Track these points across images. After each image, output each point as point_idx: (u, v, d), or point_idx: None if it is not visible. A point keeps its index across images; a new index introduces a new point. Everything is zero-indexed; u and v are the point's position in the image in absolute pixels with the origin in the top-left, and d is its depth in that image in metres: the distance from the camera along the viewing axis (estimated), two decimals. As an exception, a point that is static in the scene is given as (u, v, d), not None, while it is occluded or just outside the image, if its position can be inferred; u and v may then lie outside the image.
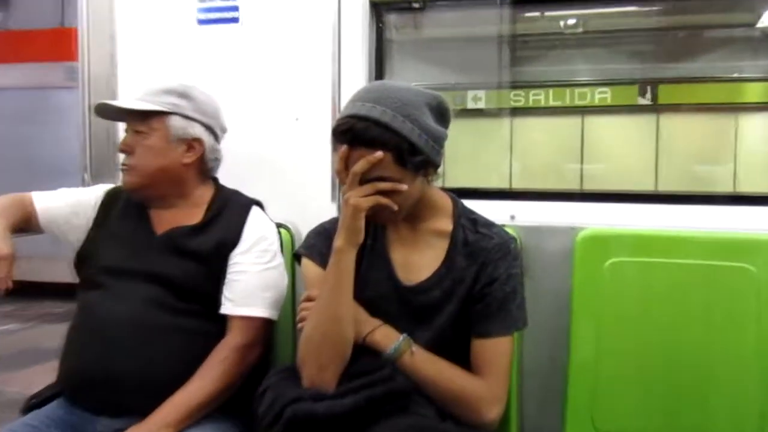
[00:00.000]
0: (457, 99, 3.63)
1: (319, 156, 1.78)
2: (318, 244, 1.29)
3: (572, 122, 3.65)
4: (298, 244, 1.57)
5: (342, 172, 1.14)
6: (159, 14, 1.75)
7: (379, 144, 1.10)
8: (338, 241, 1.16)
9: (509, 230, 1.39)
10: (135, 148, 1.43)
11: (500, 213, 1.65)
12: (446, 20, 2.09)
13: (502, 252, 1.23)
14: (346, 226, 1.15)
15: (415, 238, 1.27)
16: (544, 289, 1.59)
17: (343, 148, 1.12)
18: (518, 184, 3.45)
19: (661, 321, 1.42)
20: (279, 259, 1.54)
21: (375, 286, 1.26)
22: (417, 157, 1.13)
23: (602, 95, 3.63)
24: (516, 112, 3.74)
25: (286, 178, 1.83)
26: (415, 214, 1.25)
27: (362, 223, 1.14)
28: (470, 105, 3.63)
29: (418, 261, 1.26)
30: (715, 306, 1.38)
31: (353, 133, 1.10)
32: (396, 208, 1.16)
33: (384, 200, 1.15)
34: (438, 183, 1.27)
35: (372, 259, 1.27)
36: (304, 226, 1.46)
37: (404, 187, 1.14)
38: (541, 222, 1.67)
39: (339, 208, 1.75)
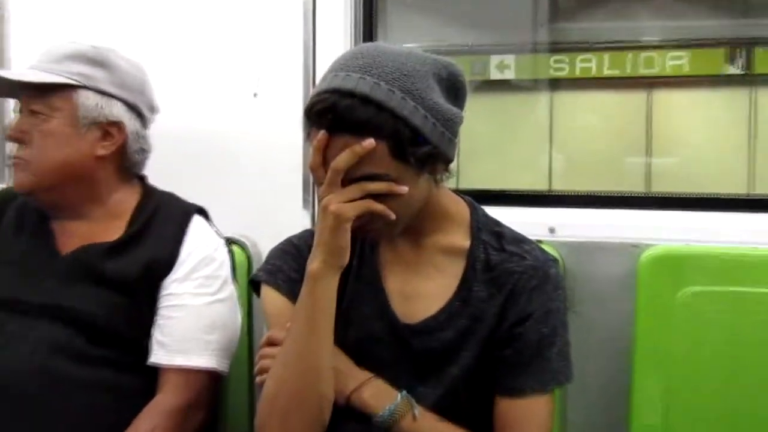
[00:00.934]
0: (476, 67, 3.64)
1: (285, 146, 1.79)
2: (284, 267, 1.32)
3: (635, 99, 3.65)
4: (256, 267, 1.60)
5: (318, 168, 1.16)
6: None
7: (370, 129, 1.12)
8: (314, 264, 1.18)
9: (548, 248, 1.43)
10: (30, 136, 1.46)
11: (535, 225, 1.67)
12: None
13: (539, 278, 1.26)
14: (324, 242, 1.17)
15: (419, 258, 1.30)
16: (595, 330, 1.62)
17: (320, 135, 1.14)
18: (560, 185, 3.47)
19: (755, 374, 1.45)
20: (230, 289, 1.57)
21: (363, 326, 1.29)
22: (421, 147, 1.15)
23: (676, 62, 3.64)
24: (557, 85, 3.75)
25: (241, 176, 1.83)
26: (418, 227, 1.28)
27: (347, 238, 1.16)
28: (494, 75, 3.61)
29: (423, 290, 1.29)
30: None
31: (334, 115, 1.12)
32: (393, 217, 1.17)
33: (377, 207, 1.17)
34: (450, 184, 1.30)
35: (359, 288, 1.31)
36: (266, 242, 1.49)
37: (404, 189, 1.16)
38: (592, 237, 1.69)
39: (314, 218, 1.77)
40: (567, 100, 3.87)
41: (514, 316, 1.24)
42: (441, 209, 1.29)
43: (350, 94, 1.10)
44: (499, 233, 1.31)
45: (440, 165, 1.21)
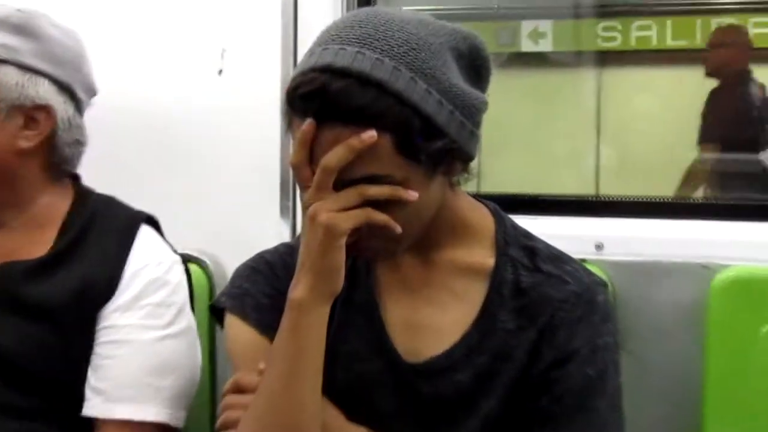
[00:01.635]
0: (503, 36, 3.64)
1: (259, 138, 1.81)
2: (253, 291, 1.35)
3: (708, 79, 3.68)
4: (219, 290, 1.58)
5: (303, 166, 1.18)
6: None
7: (370, 118, 1.13)
8: (298, 290, 1.20)
9: (594, 269, 1.43)
10: None
11: (578, 239, 1.69)
12: None
13: (583, 308, 1.28)
14: (312, 262, 1.18)
15: (428, 280, 1.33)
16: (655, 372, 1.62)
17: (306, 124, 1.15)
18: (610, 189, 3.45)
19: None
20: (186, 320, 1.59)
21: (355, 366, 1.31)
22: (435, 141, 1.18)
23: (763, 30, 3.73)
24: (607, 59, 3.75)
25: (201, 176, 1.85)
26: (428, 240, 1.31)
27: (341, 257, 1.18)
28: (526, 47, 3.61)
29: (433, 320, 1.32)
30: None
31: (324, 99, 1.13)
32: (398, 231, 1.20)
33: (378, 217, 1.19)
34: (469, 187, 1.32)
35: (350, 318, 1.33)
36: (233, 259, 1.49)
37: (413, 195, 1.18)
38: (651, 255, 1.71)
39: (295, 230, 1.77)
40: (619, 78, 3.88)
41: (551, 355, 1.26)
42: (458, 219, 1.32)
43: (345, 73, 1.12)
44: (532, 249, 1.34)
45: (458, 164, 1.23)
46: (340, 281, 1.18)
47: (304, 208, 1.17)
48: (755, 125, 3.98)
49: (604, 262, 1.68)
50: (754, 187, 3.71)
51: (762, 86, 3.98)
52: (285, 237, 1.76)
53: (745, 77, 3.88)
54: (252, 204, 1.80)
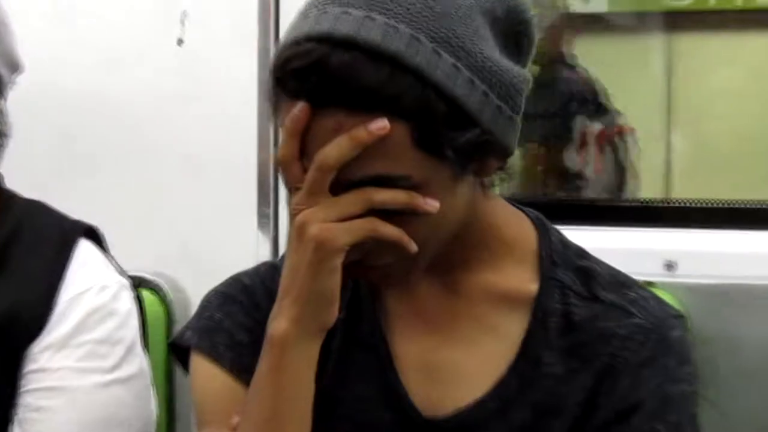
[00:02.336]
0: (547, -5, 3.65)
1: (231, 127, 1.84)
2: (227, 324, 1.37)
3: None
4: (182, 323, 1.59)
5: (292, 162, 1.19)
6: None
7: (381, 102, 1.14)
8: (280, 322, 1.21)
9: (666, 297, 1.44)
10: None
11: (644, 256, 1.69)
12: None
13: (652, 347, 1.30)
14: (298, 287, 1.20)
15: (452, 310, 1.35)
16: (743, 427, 1.63)
17: (298, 109, 1.16)
18: (686, 191, 3.44)
19: None
20: (137, 362, 1.60)
21: (357, 415, 1.33)
22: (464, 132, 1.19)
23: None
24: (679, 22, 3.75)
25: (155, 177, 1.88)
26: (452, 259, 1.33)
27: (335, 281, 1.20)
28: (576, 6, 3.61)
29: (459, 362, 1.33)
30: None
31: (322, 76, 1.14)
32: (414, 248, 1.21)
33: (388, 231, 1.20)
34: (502, 190, 1.33)
35: (352, 356, 1.35)
36: (197, 283, 1.55)
37: (433, 204, 1.20)
38: (741, 278, 1.71)
39: (278, 246, 1.80)
40: (695, 47, 3.88)
41: (611, 407, 1.28)
42: (491, 232, 1.33)
43: (349, 44, 1.13)
44: (588, 271, 1.35)
45: (493, 160, 1.25)
46: (332, 312, 1.20)
47: (291, 217, 1.18)
48: None
49: (676, 286, 1.68)
50: None
51: None
52: (265, 254, 1.77)
53: None
54: (222, 211, 1.82)
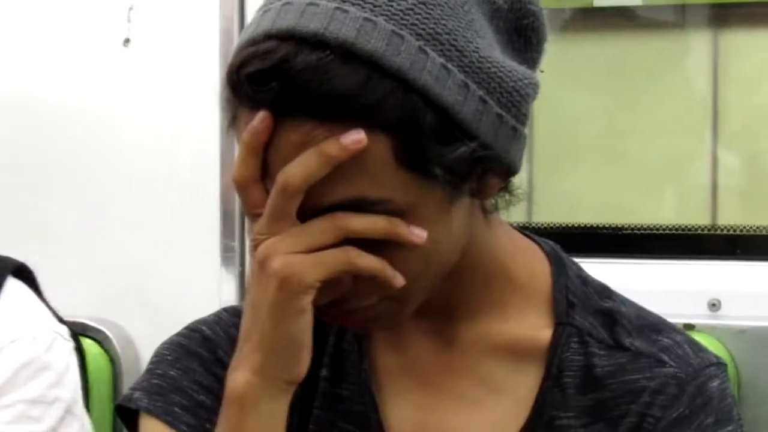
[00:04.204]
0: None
1: (189, 142, 1.86)
2: (186, 383, 1.37)
3: None
4: (130, 380, 1.64)
5: (251, 184, 1.20)
6: None
7: (357, 111, 1.15)
8: (239, 375, 1.21)
9: (707, 341, 1.45)
10: None
11: (684, 295, 1.69)
12: None
13: (689, 402, 1.29)
14: (259, 332, 1.20)
15: (450, 363, 1.36)
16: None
17: (258, 119, 1.16)
18: (734, 216, 3.43)
19: None
20: (77, 424, 1.61)
21: None
22: (458, 145, 1.18)
23: None
24: (728, 16, 3.78)
25: (100, 204, 1.89)
26: (449, 301, 1.34)
27: (304, 324, 1.20)
28: (600, 0, 3.64)
29: (457, 426, 1.34)
30: None
31: (286, 81, 1.14)
32: (399, 283, 1.20)
33: (367, 264, 1.20)
34: (514, 216, 1.34)
35: (335, 420, 1.35)
36: (149, 331, 1.56)
37: (420, 234, 1.20)
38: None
39: (244, 285, 1.84)
40: (747, 45, 3.89)
41: None
42: (495, 267, 1.34)
43: (318, 42, 1.13)
44: (612, 314, 1.35)
45: (494, 179, 1.24)
46: (302, 361, 1.20)
47: (252, 248, 1.19)
48: None
49: (721, 329, 1.67)
50: None
51: None
52: (230, 296, 1.80)
53: None
54: (178, 245, 1.82)
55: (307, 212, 1.16)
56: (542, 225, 1.49)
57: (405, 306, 1.25)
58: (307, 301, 1.17)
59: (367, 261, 1.18)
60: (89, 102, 1.89)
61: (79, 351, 1.63)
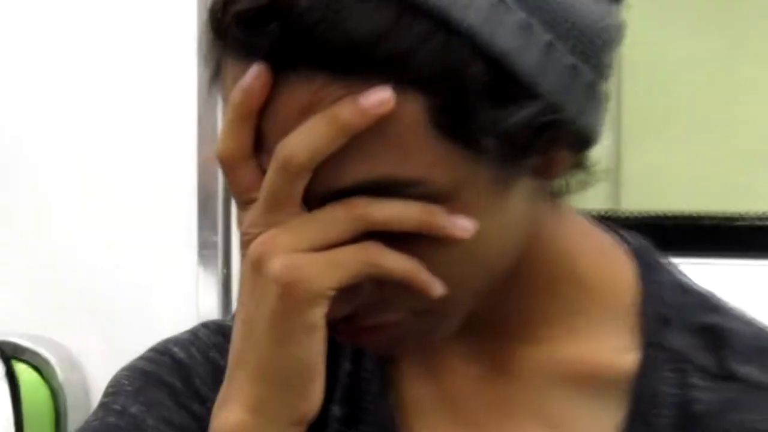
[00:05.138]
0: None
1: (155, 110, 1.77)
2: (151, 421, 1.29)
3: None
4: (76, 419, 1.57)
5: (242, 159, 1.11)
6: None
7: (380, 64, 1.06)
8: (231, 411, 1.13)
9: None
10: None
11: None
12: None
13: None
14: (256, 356, 1.12)
15: (502, 397, 1.29)
16: None
17: (251, 74, 1.08)
18: None
19: None
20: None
21: None
22: (516, 108, 1.10)
23: None
24: None
25: (40, 183, 1.83)
26: (502, 316, 1.27)
27: (315, 345, 1.10)
28: None
29: None
30: None
31: (287, 24, 1.06)
32: (439, 292, 1.12)
33: (399, 266, 1.12)
34: (592, 202, 1.27)
35: None
36: (104, 353, 1.51)
37: (464, 227, 1.12)
38: None
39: (229, 294, 1.80)
40: None
41: None
42: (565, 271, 1.27)
43: None
44: (719, 332, 1.27)
45: (564, 153, 1.15)
46: (313, 395, 1.13)
47: (243, 245, 1.12)
48: None
49: None
50: None
51: None
52: (209, 307, 1.72)
53: None
54: (140, 242, 1.75)
55: (316, 198, 1.09)
56: (632, 214, 1.46)
57: (444, 322, 1.19)
58: (318, 315, 1.09)
59: (395, 262, 1.11)
60: (25, 62, 1.89)
61: (11, 379, 1.53)
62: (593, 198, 1.23)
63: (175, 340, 1.34)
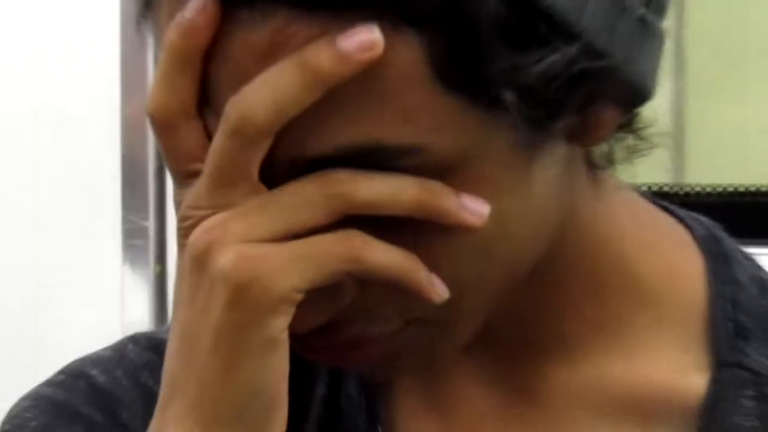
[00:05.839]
0: None
1: (73, 62, 1.72)
2: None
3: None
4: None
5: (181, 117, 1.03)
6: None
7: None
8: None
9: None
10: None
11: None
12: None
13: None
14: (197, 377, 1.05)
15: (534, 428, 1.22)
16: None
17: (193, 5, 1.00)
18: None
19: None
20: None
21: None
22: (543, 52, 1.01)
23: None
24: None
25: None
26: (531, 326, 1.20)
27: (278, 366, 1.03)
28: None
29: None
30: None
31: None
32: (443, 296, 1.05)
33: (387, 261, 1.04)
34: (644, 174, 1.21)
35: None
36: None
37: (477, 210, 1.04)
38: None
39: (164, 296, 1.82)
40: None
41: None
42: (610, 266, 1.20)
43: None
44: None
45: (608, 111, 1.07)
46: (278, 418, 1.06)
47: (182, 231, 1.05)
48: None
49: None
50: None
51: None
52: (138, 318, 1.71)
53: None
54: (45, 231, 1.72)
55: (280, 170, 1.02)
56: (697, 190, 1.47)
57: (450, 336, 1.11)
58: (280, 325, 1.01)
59: (384, 256, 1.02)
60: None
61: None
62: (648, 171, 1.27)
63: (94, 360, 1.26)
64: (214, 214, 0.99)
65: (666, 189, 1.23)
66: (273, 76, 0.96)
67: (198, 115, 1.00)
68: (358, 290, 1.02)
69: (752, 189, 1.65)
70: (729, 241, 1.23)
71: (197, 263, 1.00)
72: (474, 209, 1.00)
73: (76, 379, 1.23)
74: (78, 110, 1.69)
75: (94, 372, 1.22)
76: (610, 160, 1.10)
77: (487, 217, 1.00)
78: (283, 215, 0.99)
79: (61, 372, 1.24)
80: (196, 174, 1.00)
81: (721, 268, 1.20)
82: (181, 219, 1.02)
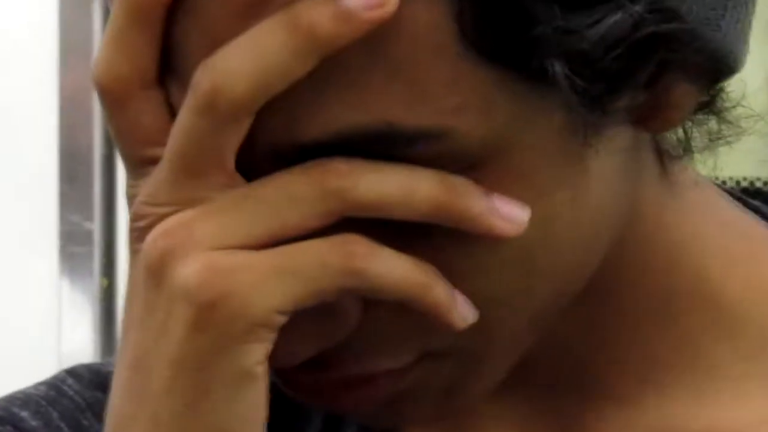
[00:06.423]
0: None
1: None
2: None
3: None
4: None
5: (136, 89, 0.97)
6: None
7: None
8: None
9: None
10: None
11: None
12: None
13: None
14: (151, 419, 0.99)
15: None
16: None
17: None
18: None
19: None
20: None
21: None
22: (599, 14, 0.95)
23: None
24: None
25: None
26: (584, 360, 1.15)
27: (254, 404, 0.98)
28: None
29: None
30: None
31: None
32: (465, 320, 1.00)
33: (398, 276, 0.98)
34: (731, 167, 1.15)
35: None
36: None
37: (514, 216, 0.98)
38: None
39: (112, 311, 1.81)
40: None
41: None
42: (687, 284, 1.13)
43: None
44: None
45: (683, 87, 1.00)
46: None
47: (136, 235, 0.96)
48: None
49: None
50: None
51: None
52: (79, 344, 1.67)
53: None
54: None
55: (263, 158, 0.96)
56: None
57: (477, 372, 1.06)
58: (254, 355, 0.96)
59: (393, 267, 0.96)
60: None
61: None
62: (736, 162, 1.22)
63: (24, 399, 1.19)
64: (176, 212, 0.91)
65: (759, 185, 1.13)
66: (256, 37, 0.89)
67: (159, 85, 0.92)
68: (359, 313, 0.94)
69: None
70: None
71: (153, 275, 0.92)
72: (509, 214, 0.93)
73: (2, 424, 1.16)
74: (12, 84, 1.63)
75: (24, 414, 1.16)
76: (686, 150, 1.01)
77: (527, 223, 0.92)
78: (264, 215, 0.92)
79: None
80: (154, 161, 0.92)
81: None
82: (135, 218, 0.92)
